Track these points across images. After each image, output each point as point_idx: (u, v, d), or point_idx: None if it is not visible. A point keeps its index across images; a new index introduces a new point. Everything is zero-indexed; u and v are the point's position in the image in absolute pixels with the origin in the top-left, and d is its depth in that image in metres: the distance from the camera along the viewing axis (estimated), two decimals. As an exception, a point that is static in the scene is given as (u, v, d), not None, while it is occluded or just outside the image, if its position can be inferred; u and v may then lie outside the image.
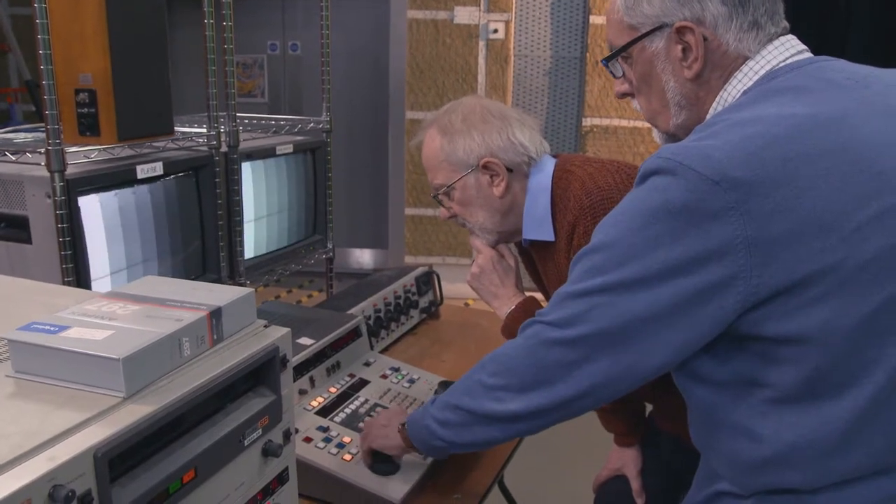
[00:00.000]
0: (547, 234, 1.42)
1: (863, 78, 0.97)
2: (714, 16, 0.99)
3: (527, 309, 1.46)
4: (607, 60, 1.12)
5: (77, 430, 0.69)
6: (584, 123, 4.56)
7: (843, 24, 3.69)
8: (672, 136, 1.10)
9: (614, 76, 1.14)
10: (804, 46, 1.02)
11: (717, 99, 1.03)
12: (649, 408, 1.64)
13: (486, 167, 1.44)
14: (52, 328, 0.80)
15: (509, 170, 1.44)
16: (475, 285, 1.54)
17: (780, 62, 0.99)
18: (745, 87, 1.00)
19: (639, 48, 1.06)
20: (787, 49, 1.00)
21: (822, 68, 0.98)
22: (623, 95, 1.15)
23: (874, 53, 3.58)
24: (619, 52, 1.08)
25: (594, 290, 0.93)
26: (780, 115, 0.90)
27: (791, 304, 0.86)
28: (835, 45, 3.61)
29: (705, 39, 1.00)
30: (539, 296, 1.56)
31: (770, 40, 1.01)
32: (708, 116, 1.04)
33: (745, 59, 1.01)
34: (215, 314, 0.86)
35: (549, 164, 1.45)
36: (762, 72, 0.99)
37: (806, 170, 0.86)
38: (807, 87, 0.95)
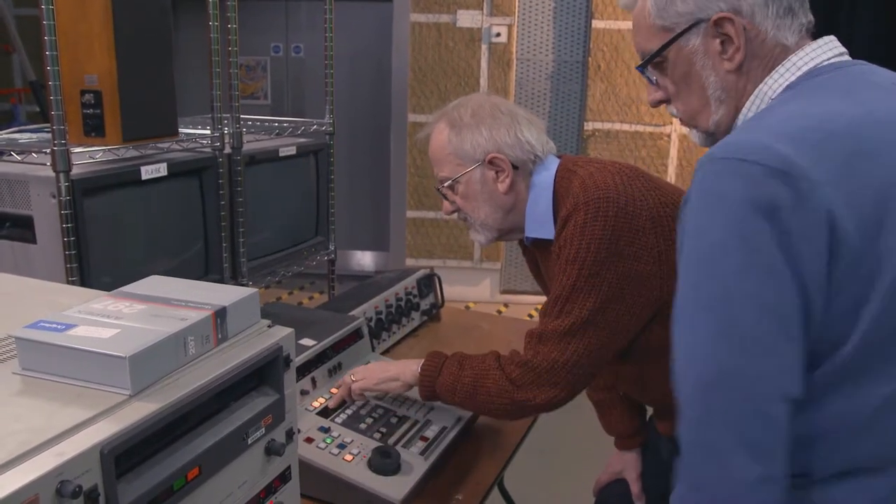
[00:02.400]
0: (548, 233, 1.43)
1: None
2: (750, 4, 0.99)
3: (439, 357, 1.44)
4: (643, 67, 1.10)
5: (84, 427, 0.70)
6: (585, 127, 4.57)
7: (847, 26, 3.70)
8: (711, 135, 1.09)
9: (650, 83, 1.12)
10: (844, 49, 1.02)
11: (756, 92, 1.02)
12: (650, 411, 1.65)
13: (491, 163, 1.44)
14: (58, 326, 0.81)
15: (515, 167, 1.45)
16: (369, 385, 1.48)
17: (824, 61, 1.00)
18: (788, 82, 1.00)
19: (675, 49, 1.05)
20: (831, 49, 1.01)
21: (864, 71, 0.99)
22: (658, 103, 1.13)
23: (878, 55, 3.59)
24: (656, 56, 1.07)
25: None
26: (833, 112, 0.90)
27: (842, 297, 0.86)
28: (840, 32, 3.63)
29: (744, 29, 1.00)
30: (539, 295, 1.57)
31: (802, 30, 1.02)
32: (747, 107, 1.03)
33: (784, 47, 1.01)
34: (220, 314, 0.87)
35: (553, 164, 1.46)
36: (805, 68, 0.99)
37: (867, 165, 0.86)
38: (853, 87, 0.95)
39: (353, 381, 1.47)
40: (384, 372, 1.48)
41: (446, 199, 1.53)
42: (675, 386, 0.91)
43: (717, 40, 1.02)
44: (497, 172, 1.45)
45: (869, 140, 0.88)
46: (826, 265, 0.84)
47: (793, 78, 0.99)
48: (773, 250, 0.84)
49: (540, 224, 1.44)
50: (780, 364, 0.85)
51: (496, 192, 1.46)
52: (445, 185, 1.50)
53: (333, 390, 1.51)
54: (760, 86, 1.02)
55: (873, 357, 0.88)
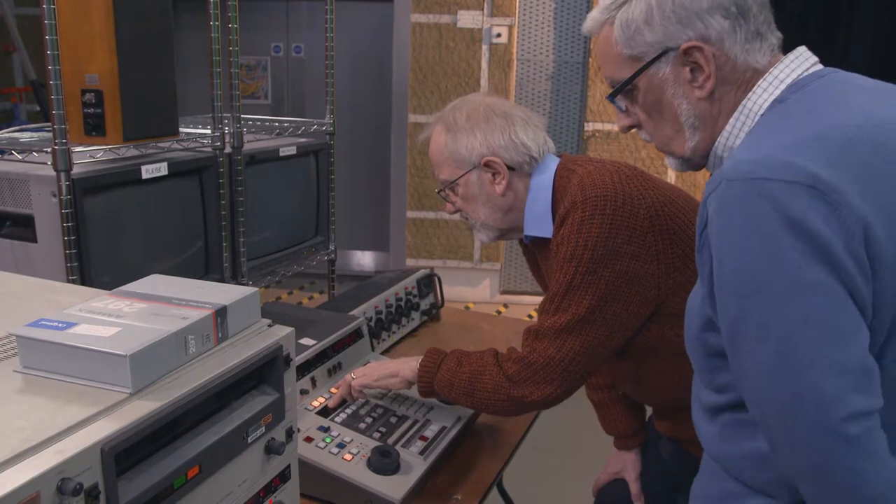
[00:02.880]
0: (547, 231, 1.44)
1: (883, 85, 0.98)
2: (718, 31, 0.99)
3: (438, 354, 1.44)
4: (612, 96, 1.10)
5: (85, 425, 0.70)
6: (586, 128, 4.57)
7: (846, 28, 3.71)
8: (687, 161, 1.09)
9: (619, 111, 1.12)
10: (816, 58, 1.02)
11: (740, 110, 1.01)
12: (649, 411, 1.65)
13: (487, 165, 1.45)
14: (59, 325, 0.81)
15: (511, 168, 1.45)
16: (369, 381, 1.48)
17: (804, 71, 0.99)
18: (775, 97, 0.99)
19: (645, 78, 1.05)
20: (807, 59, 1.01)
21: (847, 76, 0.99)
22: (628, 129, 1.13)
23: (877, 55, 3.59)
24: (625, 86, 1.07)
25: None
26: (837, 120, 0.89)
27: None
28: (837, 49, 3.63)
29: (713, 56, 1.00)
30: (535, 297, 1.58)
31: (773, 50, 1.02)
32: (729, 128, 1.02)
33: (755, 70, 1.00)
34: (220, 313, 0.88)
35: (552, 164, 1.46)
36: (788, 80, 0.99)
37: (885, 168, 0.85)
38: (843, 94, 0.95)
39: (352, 379, 1.48)
40: (384, 369, 1.48)
41: (447, 200, 1.55)
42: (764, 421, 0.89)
43: (687, 68, 1.01)
44: (493, 174, 1.46)
45: (882, 143, 0.87)
46: (870, 274, 0.82)
47: (778, 92, 0.99)
48: (816, 267, 0.81)
49: (538, 222, 1.45)
50: (846, 380, 0.82)
51: (493, 193, 1.47)
52: (445, 187, 1.51)
53: (333, 390, 1.51)
54: (744, 102, 1.01)
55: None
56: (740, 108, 1.01)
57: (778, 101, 0.98)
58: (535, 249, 1.56)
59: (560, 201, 1.40)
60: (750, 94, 1.00)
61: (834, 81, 0.97)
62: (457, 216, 1.57)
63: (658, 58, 1.02)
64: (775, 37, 1.03)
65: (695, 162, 1.08)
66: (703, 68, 1.00)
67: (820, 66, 1.01)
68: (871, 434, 0.83)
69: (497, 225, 1.50)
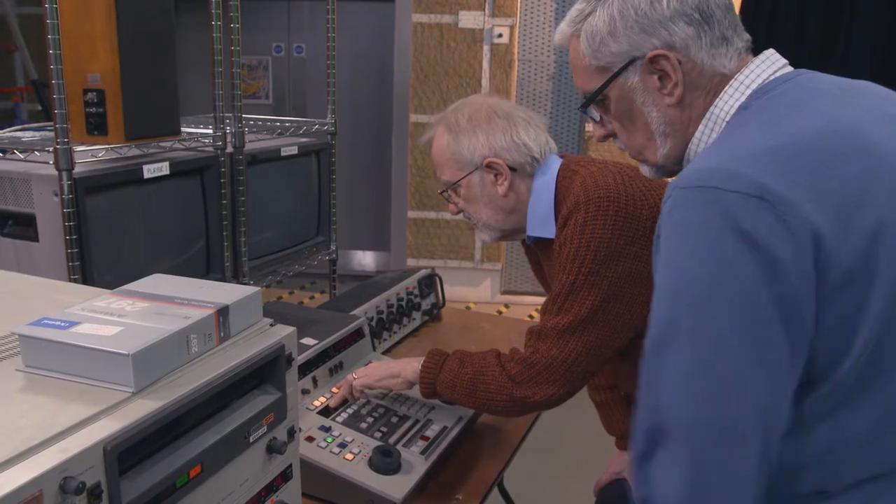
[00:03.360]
0: (549, 232, 1.44)
1: (851, 88, 0.98)
2: (683, 38, 0.99)
3: (440, 355, 1.44)
4: (584, 108, 1.11)
5: (87, 424, 0.70)
6: (587, 129, 4.57)
7: (846, 28, 3.71)
8: (661, 168, 1.09)
9: (594, 121, 1.13)
10: (785, 60, 1.02)
11: (707, 118, 1.01)
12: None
13: (489, 166, 1.45)
14: (62, 324, 0.81)
15: (513, 169, 1.45)
16: (371, 381, 1.48)
17: (769, 76, 0.99)
18: (740, 103, 0.99)
19: (615, 88, 1.06)
20: (774, 62, 1.01)
21: (811, 79, 0.99)
22: (605, 138, 1.14)
23: (879, 57, 3.60)
24: (595, 96, 1.08)
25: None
26: (796, 127, 0.89)
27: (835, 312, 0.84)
28: (836, 59, 3.63)
29: (680, 63, 1.00)
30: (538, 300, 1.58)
31: (740, 54, 1.02)
32: (699, 135, 1.03)
33: (723, 75, 1.01)
34: (223, 312, 0.88)
35: (554, 164, 1.47)
36: (754, 86, 0.99)
37: (841, 176, 0.84)
38: (806, 99, 0.95)
39: (354, 379, 1.48)
40: (386, 370, 1.48)
41: (450, 201, 1.55)
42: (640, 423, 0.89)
43: (655, 76, 1.02)
44: (495, 175, 1.46)
45: (836, 150, 0.86)
46: (815, 286, 0.82)
47: (743, 98, 0.99)
48: (760, 281, 0.81)
49: (541, 223, 1.45)
50: (762, 400, 0.82)
51: (495, 194, 1.47)
52: (447, 188, 1.52)
53: (334, 389, 1.51)
54: (712, 108, 1.01)
55: (876, 366, 0.87)
56: (708, 114, 1.02)
57: (742, 108, 0.99)
58: (537, 250, 1.56)
59: (563, 202, 1.40)
60: (717, 100, 1.01)
61: (798, 85, 0.97)
62: (459, 216, 1.57)
63: (625, 67, 1.03)
64: (742, 40, 1.03)
65: (668, 169, 1.09)
66: (671, 76, 1.01)
67: (788, 69, 1.01)
68: (755, 475, 0.83)
69: (499, 226, 1.51)
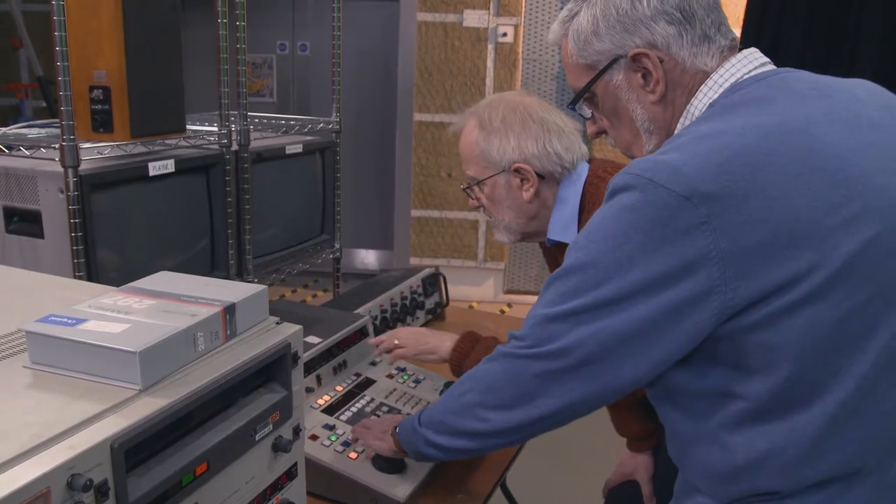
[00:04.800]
0: (570, 237, 1.44)
1: (826, 87, 0.99)
2: (664, 37, 1.01)
3: (472, 338, 1.47)
4: (573, 104, 1.14)
5: (94, 421, 0.70)
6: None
7: (851, 41, 3.69)
8: None
9: (584, 118, 1.16)
10: (767, 59, 1.03)
11: (684, 114, 1.04)
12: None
13: (517, 171, 1.45)
14: (69, 321, 0.81)
15: (541, 177, 1.45)
16: (409, 353, 1.53)
17: (744, 74, 1.01)
18: (711, 100, 1.01)
19: (601, 85, 1.08)
20: (751, 61, 1.02)
21: (786, 79, 0.99)
22: (597, 135, 1.17)
23: (884, 68, 3.59)
24: (583, 94, 1.11)
25: (571, 313, 0.94)
26: (746, 126, 0.91)
27: (764, 312, 0.87)
28: (843, 61, 3.61)
29: (661, 61, 1.02)
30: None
31: (723, 52, 1.03)
32: (676, 131, 1.04)
33: (705, 73, 1.02)
34: (229, 310, 0.88)
35: (583, 172, 1.47)
36: (727, 84, 1.00)
37: (775, 179, 0.86)
38: (771, 98, 0.96)
39: (396, 343, 1.52)
40: (424, 343, 1.51)
41: (471, 196, 1.54)
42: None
43: (639, 74, 1.04)
44: (522, 181, 1.46)
45: (778, 152, 0.88)
46: (723, 288, 0.86)
47: (715, 95, 1.01)
48: (665, 270, 0.87)
49: (563, 228, 1.46)
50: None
51: (520, 199, 1.47)
52: (472, 183, 1.51)
53: (339, 388, 1.52)
54: (687, 107, 1.03)
55: (819, 369, 0.89)
56: (684, 113, 1.04)
57: (711, 105, 1.01)
58: (556, 253, 1.56)
59: (588, 209, 1.41)
60: (692, 98, 1.03)
61: (768, 85, 0.98)
62: (470, 215, 1.57)
63: (610, 65, 1.06)
64: (726, 38, 1.04)
65: None
66: (653, 73, 1.03)
67: (767, 68, 1.02)
68: None
69: (520, 229, 1.51)
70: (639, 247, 0.89)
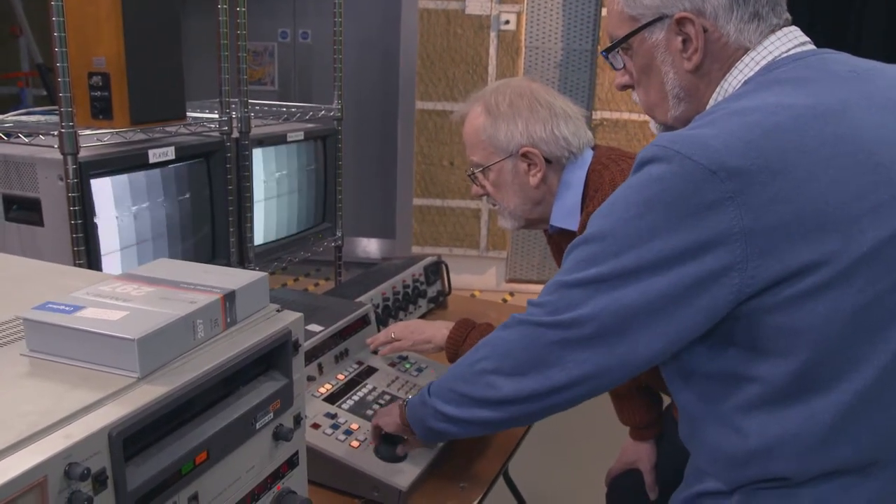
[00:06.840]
0: (573, 224, 1.44)
1: (865, 71, 0.97)
2: (714, 7, 0.99)
3: (467, 325, 1.47)
4: (608, 52, 1.11)
5: (92, 410, 0.69)
6: (594, 116, 4.54)
7: (854, 37, 3.66)
8: (669, 128, 1.10)
9: (614, 67, 1.13)
10: (807, 38, 1.02)
11: (718, 90, 1.02)
12: (667, 400, 1.64)
13: (524, 156, 1.44)
14: (67, 308, 0.80)
15: (548, 161, 1.44)
16: (404, 346, 1.54)
17: (783, 53, 0.99)
18: (746, 77, 0.99)
19: (639, 39, 1.06)
20: (791, 40, 1.00)
21: (825, 60, 0.98)
22: (623, 87, 1.14)
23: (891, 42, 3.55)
24: (620, 44, 1.08)
25: (589, 281, 0.93)
26: (779, 105, 0.90)
27: (785, 295, 0.86)
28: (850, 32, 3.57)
29: (705, 31, 1.00)
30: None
31: (772, 31, 1.01)
32: (708, 107, 1.03)
33: (745, 49, 1.00)
34: (229, 297, 0.87)
35: (587, 158, 1.46)
36: (763, 62, 0.99)
37: (804, 160, 0.85)
38: (808, 78, 0.94)
39: (393, 336, 1.53)
40: (420, 333, 1.51)
41: (476, 182, 1.53)
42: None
43: (679, 38, 1.02)
44: (529, 165, 1.45)
45: (810, 134, 0.87)
46: (744, 266, 0.85)
47: (751, 73, 0.99)
48: (686, 243, 0.87)
49: (567, 215, 1.45)
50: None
51: (527, 184, 1.46)
52: (477, 170, 1.50)
53: (340, 376, 1.51)
54: (721, 83, 1.02)
55: (838, 356, 0.88)
56: (719, 88, 1.02)
57: (746, 82, 0.99)
58: (560, 240, 1.56)
59: (590, 196, 1.40)
60: (728, 74, 1.01)
61: (806, 65, 0.97)
62: (472, 204, 1.57)
63: (653, 22, 1.03)
64: (780, 19, 1.02)
65: (676, 129, 1.09)
66: (693, 41, 1.01)
67: (807, 47, 1.00)
68: None
69: (525, 215, 1.51)
70: (661, 218, 0.88)
